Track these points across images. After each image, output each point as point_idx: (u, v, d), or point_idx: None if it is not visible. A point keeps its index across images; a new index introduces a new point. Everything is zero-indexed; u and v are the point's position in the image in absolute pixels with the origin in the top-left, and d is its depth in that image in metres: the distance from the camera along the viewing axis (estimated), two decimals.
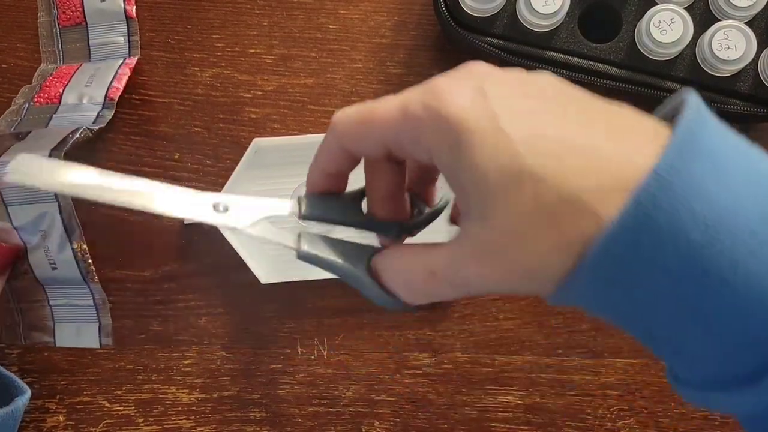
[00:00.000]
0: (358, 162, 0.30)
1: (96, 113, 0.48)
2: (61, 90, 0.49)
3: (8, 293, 0.48)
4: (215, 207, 0.30)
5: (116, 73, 0.49)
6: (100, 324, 0.47)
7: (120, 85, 0.49)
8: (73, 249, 0.47)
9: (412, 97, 0.25)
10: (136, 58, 0.51)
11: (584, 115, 0.24)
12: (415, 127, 0.25)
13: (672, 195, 0.21)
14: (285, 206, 0.31)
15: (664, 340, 0.24)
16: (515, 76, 0.26)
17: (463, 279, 0.25)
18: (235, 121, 0.52)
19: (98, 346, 0.47)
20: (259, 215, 0.30)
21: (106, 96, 0.48)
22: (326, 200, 0.31)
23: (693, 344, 0.23)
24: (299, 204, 0.31)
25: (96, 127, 0.47)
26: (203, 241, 0.51)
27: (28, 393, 0.45)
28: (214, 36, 0.52)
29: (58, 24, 0.51)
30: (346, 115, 0.28)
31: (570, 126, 0.23)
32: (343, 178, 0.31)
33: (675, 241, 0.21)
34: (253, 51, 0.52)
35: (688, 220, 0.21)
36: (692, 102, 0.23)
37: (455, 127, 0.23)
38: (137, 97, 0.52)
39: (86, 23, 0.51)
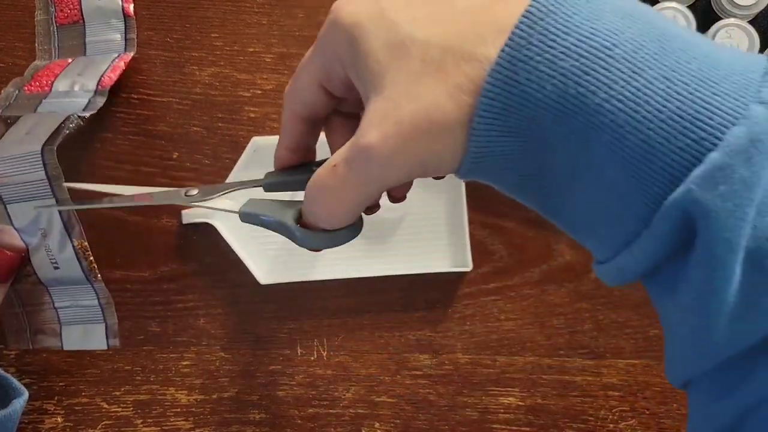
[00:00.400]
0: (315, 130, 0.31)
1: (87, 100, 0.47)
2: (52, 79, 0.48)
3: (13, 297, 0.47)
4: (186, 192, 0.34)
5: (110, 64, 0.49)
6: (106, 324, 0.47)
7: (114, 75, 0.48)
8: (73, 246, 0.46)
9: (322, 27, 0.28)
10: (132, 54, 0.50)
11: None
12: (324, 44, 0.28)
13: (545, 32, 0.23)
14: (255, 182, 0.33)
15: (566, 207, 0.26)
16: None
17: (364, 156, 0.25)
18: (234, 120, 0.51)
19: (106, 348, 0.47)
20: (222, 191, 0.34)
21: (98, 84, 0.48)
22: (291, 171, 0.33)
23: (589, 194, 0.24)
24: (264, 177, 0.33)
25: (87, 114, 0.46)
26: (202, 242, 0.50)
27: (26, 395, 0.44)
28: (212, 35, 0.52)
29: (56, 22, 0.51)
30: (288, 83, 0.31)
31: (452, 3, 0.25)
32: (307, 152, 0.32)
33: (551, 74, 0.22)
34: (252, 50, 0.52)
35: (562, 54, 0.22)
36: None
37: (349, 26, 0.26)
38: (136, 97, 0.52)
39: (84, 21, 0.51)
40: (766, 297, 0.22)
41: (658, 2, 0.46)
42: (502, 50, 0.23)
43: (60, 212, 0.46)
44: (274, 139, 0.50)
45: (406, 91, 0.24)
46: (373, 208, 0.32)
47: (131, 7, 0.51)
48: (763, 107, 0.21)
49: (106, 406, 0.50)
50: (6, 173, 0.45)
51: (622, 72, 0.22)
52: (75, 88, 0.47)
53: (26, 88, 0.48)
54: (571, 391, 0.50)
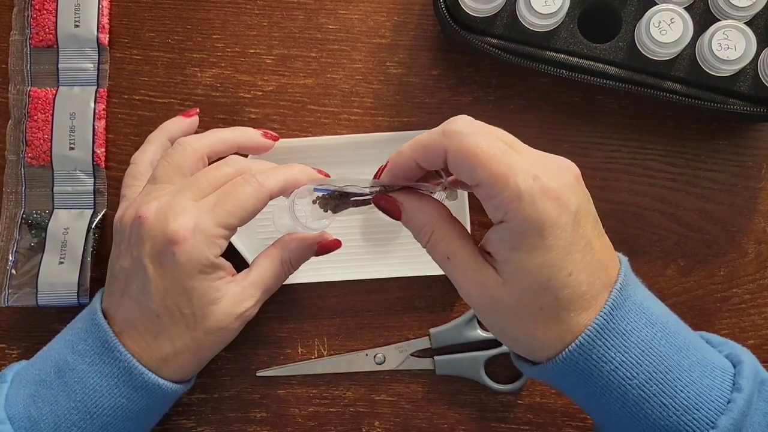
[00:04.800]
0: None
1: (92, 187, 0.51)
2: (47, 148, 0.50)
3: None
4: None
5: (93, 125, 0.51)
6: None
7: (101, 150, 0.51)
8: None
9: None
10: (105, 89, 0.52)
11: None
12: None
13: (601, 345, 0.35)
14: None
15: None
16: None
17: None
18: (235, 121, 0.52)
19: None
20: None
21: (93, 162, 0.51)
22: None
23: None
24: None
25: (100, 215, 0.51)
26: None
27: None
28: (214, 36, 0.52)
29: (30, 44, 0.51)
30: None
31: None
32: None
33: (600, 372, 0.35)
34: (253, 51, 0.52)
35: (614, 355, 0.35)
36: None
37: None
38: (137, 98, 0.52)
39: (58, 46, 0.51)
40: None
41: (656, 4, 0.46)
42: (561, 359, 0.35)
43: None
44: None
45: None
46: None
47: (106, 38, 0.52)
48: None
49: None
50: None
51: (648, 384, 0.35)
52: (76, 171, 0.51)
53: (27, 159, 0.51)
54: None
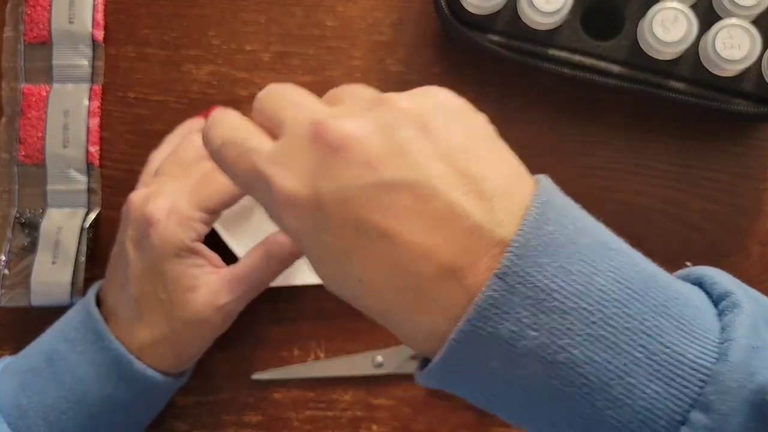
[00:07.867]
0: None
1: (86, 185, 0.50)
2: (40, 146, 0.49)
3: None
4: None
5: (87, 123, 0.50)
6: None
7: (95, 148, 0.50)
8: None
9: None
10: (100, 85, 0.51)
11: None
12: None
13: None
14: None
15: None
16: None
17: None
18: None
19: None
20: None
21: (87, 161, 0.50)
22: None
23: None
24: None
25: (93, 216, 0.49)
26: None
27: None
28: (210, 33, 0.52)
29: (24, 40, 0.51)
30: None
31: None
32: None
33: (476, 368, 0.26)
34: (249, 48, 0.52)
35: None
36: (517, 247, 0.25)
37: None
38: (132, 95, 0.51)
39: (52, 43, 0.51)
40: None
41: (659, 1, 0.45)
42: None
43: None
44: None
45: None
46: None
47: (101, 34, 0.51)
48: (701, 414, 0.23)
49: None
50: None
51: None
52: (69, 171, 0.49)
53: (20, 156, 0.50)
54: None
